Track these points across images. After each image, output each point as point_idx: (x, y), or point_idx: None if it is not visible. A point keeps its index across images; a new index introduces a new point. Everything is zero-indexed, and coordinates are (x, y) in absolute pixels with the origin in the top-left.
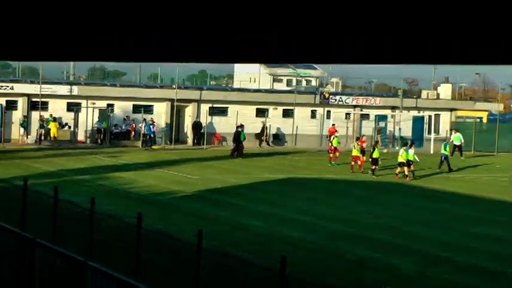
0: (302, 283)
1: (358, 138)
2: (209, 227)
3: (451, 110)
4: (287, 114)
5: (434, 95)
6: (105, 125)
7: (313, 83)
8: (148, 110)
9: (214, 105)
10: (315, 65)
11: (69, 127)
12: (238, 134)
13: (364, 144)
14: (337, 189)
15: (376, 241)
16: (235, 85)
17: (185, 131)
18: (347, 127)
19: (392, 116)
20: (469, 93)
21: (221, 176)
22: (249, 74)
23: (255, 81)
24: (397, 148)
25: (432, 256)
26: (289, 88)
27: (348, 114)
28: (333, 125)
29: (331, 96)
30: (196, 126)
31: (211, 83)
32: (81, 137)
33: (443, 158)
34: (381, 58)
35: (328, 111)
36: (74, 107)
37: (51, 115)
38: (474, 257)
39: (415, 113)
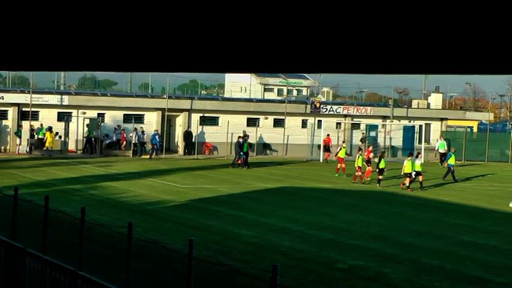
0: None
1: (360, 149)
2: (200, 236)
3: (442, 119)
4: (278, 123)
5: (424, 105)
6: (91, 134)
7: (304, 92)
8: (139, 119)
9: (205, 115)
10: (306, 75)
11: (60, 137)
12: (240, 144)
13: (371, 155)
14: (329, 199)
15: (368, 250)
16: (226, 94)
17: (176, 140)
18: (338, 136)
19: (383, 126)
20: (460, 102)
21: (212, 185)
22: (240, 84)
23: (245, 90)
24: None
25: (423, 264)
26: (280, 97)
27: (338, 123)
28: (328, 135)
29: (322, 106)
30: (187, 135)
31: (202, 92)
32: (72, 146)
33: (452, 168)
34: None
35: (319, 121)
36: (64, 117)
37: (41, 124)
38: (464, 266)
39: (405, 122)
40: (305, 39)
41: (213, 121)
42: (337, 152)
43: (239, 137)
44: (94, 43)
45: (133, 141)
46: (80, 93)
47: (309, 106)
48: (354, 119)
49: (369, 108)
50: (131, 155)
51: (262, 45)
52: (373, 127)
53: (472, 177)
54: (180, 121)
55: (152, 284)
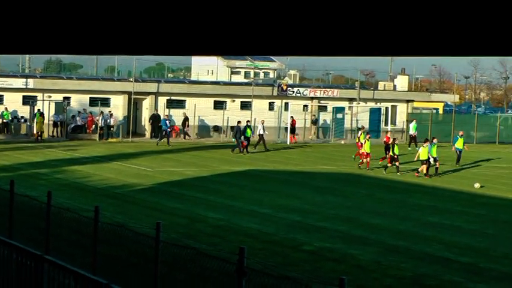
0: (260, 274)
1: (368, 133)
2: (167, 219)
3: (408, 101)
4: (245, 106)
5: (391, 87)
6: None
7: (271, 75)
8: (106, 102)
9: (172, 98)
10: (273, 57)
11: (25, 120)
12: (240, 129)
13: (391, 140)
14: (296, 181)
15: (335, 232)
16: (193, 77)
17: (143, 123)
18: (305, 119)
19: (350, 108)
20: (425, 84)
21: (180, 168)
22: (207, 67)
23: (212, 73)
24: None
25: (389, 246)
26: (247, 80)
27: (305, 106)
28: (291, 117)
29: (289, 88)
30: (154, 119)
31: (169, 75)
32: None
33: (458, 152)
34: (340, 50)
35: (286, 103)
36: (29, 100)
37: (6, 108)
38: (430, 246)
39: (372, 104)
40: (272, 21)
41: (180, 104)
42: (363, 145)
43: (238, 122)
44: (59, 26)
45: (100, 125)
46: (45, 77)
47: (276, 89)
48: (321, 102)
49: (335, 90)
50: (97, 139)
51: (229, 27)
52: (340, 109)
53: (398, 154)
54: (146, 104)
55: (119, 268)
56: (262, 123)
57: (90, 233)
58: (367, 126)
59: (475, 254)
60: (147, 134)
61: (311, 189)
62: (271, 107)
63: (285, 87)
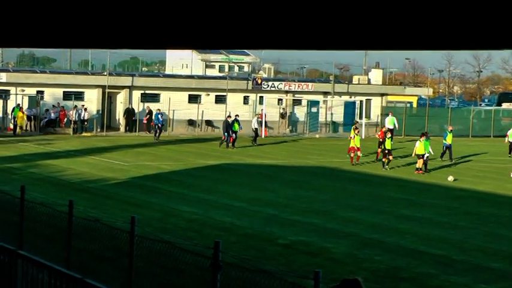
0: (235, 268)
1: (357, 128)
2: (142, 213)
3: (382, 95)
4: (220, 100)
5: (365, 80)
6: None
7: (246, 68)
8: (79, 96)
9: (146, 92)
10: (248, 51)
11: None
12: (229, 123)
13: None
14: (271, 175)
15: (309, 225)
16: (167, 71)
17: (117, 117)
18: (280, 112)
19: (324, 102)
20: (399, 78)
21: (154, 162)
22: (181, 60)
23: (187, 67)
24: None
25: (364, 239)
26: (221, 74)
27: (280, 99)
28: (261, 110)
29: (263, 82)
30: (129, 112)
31: (143, 69)
32: (11, 124)
33: (445, 147)
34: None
35: (261, 97)
36: (2, 94)
37: (18, 105)
38: (403, 239)
39: (346, 98)
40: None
41: (155, 98)
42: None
43: (228, 116)
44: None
45: (73, 119)
46: (18, 71)
47: (250, 82)
48: (296, 95)
49: (310, 84)
50: (71, 133)
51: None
52: (315, 103)
53: (411, 152)
54: (121, 98)
55: (94, 263)
56: (257, 118)
57: (64, 228)
58: (341, 119)
59: (448, 246)
60: (122, 128)
61: (285, 183)
62: (246, 100)
63: (259, 81)
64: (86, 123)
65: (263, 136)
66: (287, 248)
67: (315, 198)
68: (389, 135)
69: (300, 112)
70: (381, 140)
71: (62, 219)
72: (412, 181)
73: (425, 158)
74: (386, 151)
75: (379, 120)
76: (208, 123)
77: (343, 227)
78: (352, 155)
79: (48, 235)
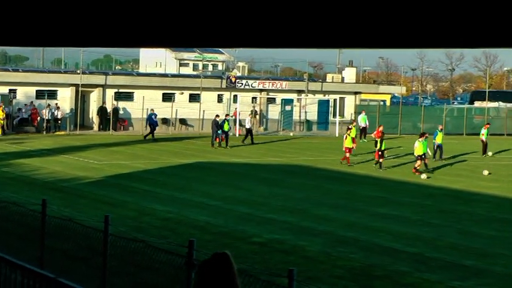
0: None
1: (349, 128)
2: (116, 212)
3: (356, 93)
4: (194, 98)
5: (339, 79)
6: None
7: (220, 67)
8: (52, 95)
9: (120, 90)
10: (222, 50)
11: None
12: (217, 123)
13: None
14: (245, 173)
15: (284, 223)
16: (141, 70)
17: (90, 116)
18: (255, 111)
19: (298, 100)
20: (373, 76)
21: (128, 161)
22: (155, 59)
23: (160, 65)
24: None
25: (339, 237)
26: (195, 72)
27: (254, 98)
28: (235, 109)
29: (237, 81)
30: (102, 111)
31: (117, 67)
32: None
33: (435, 146)
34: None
35: (235, 96)
36: None
37: None
38: (378, 237)
39: (320, 96)
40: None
41: (128, 96)
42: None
43: (216, 115)
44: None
45: (46, 118)
46: None
47: (224, 81)
48: (270, 94)
49: (284, 82)
50: (44, 132)
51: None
52: (289, 101)
53: (385, 149)
54: (94, 97)
55: (68, 262)
56: (250, 117)
57: (37, 227)
58: (315, 118)
59: (422, 244)
60: (95, 126)
61: (260, 181)
62: (220, 99)
63: (233, 80)
64: (59, 122)
65: (237, 135)
66: (262, 246)
67: (289, 197)
68: (380, 135)
69: (274, 110)
70: (377, 139)
71: (35, 219)
72: (387, 179)
73: (425, 158)
74: (381, 152)
75: (352, 119)
76: (182, 121)
77: (318, 225)
78: (347, 155)
79: (21, 234)
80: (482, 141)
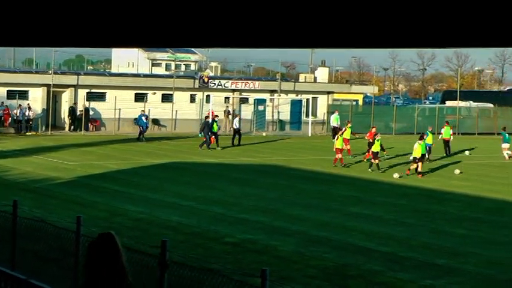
0: (182, 267)
1: (340, 129)
2: (88, 213)
3: (328, 93)
4: (166, 98)
5: (311, 79)
6: None
7: (192, 67)
8: (24, 95)
9: (92, 91)
10: (194, 49)
11: None
12: (207, 124)
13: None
14: (218, 173)
15: (256, 223)
16: (113, 70)
17: (62, 116)
18: (228, 111)
19: (271, 100)
20: (345, 76)
21: (100, 161)
22: (127, 59)
23: (133, 65)
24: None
25: (311, 236)
26: (168, 72)
27: (227, 98)
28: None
29: (210, 80)
30: (74, 111)
31: (89, 67)
32: None
33: (428, 148)
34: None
35: (208, 96)
36: None
37: None
38: (352, 237)
39: (293, 96)
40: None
41: (100, 97)
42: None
43: (206, 116)
44: None
45: (18, 118)
46: None
47: (197, 81)
48: (243, 94)
49: (257, 82)
50: (16, 132)
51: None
52: (261, 101)
53: (358, 150)
54: (66, 97)
55: (39, 263)
56: (238, 117)
57: (8, 228)
58: (288, 118)
59: (395, 243)
60: (67, 127)
61: (232, 181)
62: (192, 99)
63: (206, 80)
64: (30, 122)
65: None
66: (234, 246)
67: (262, 197)
68: (378, 137)
69: (247, 110)
70: (370, 141)
71: (6, 219)
72: (360, 179)
73: (423, 161)
74: (375, 153)
75: (325, 118)
76: (155, 121)
77: (291, 225)
78: (337, 156)
79: None
80: (444, 140)
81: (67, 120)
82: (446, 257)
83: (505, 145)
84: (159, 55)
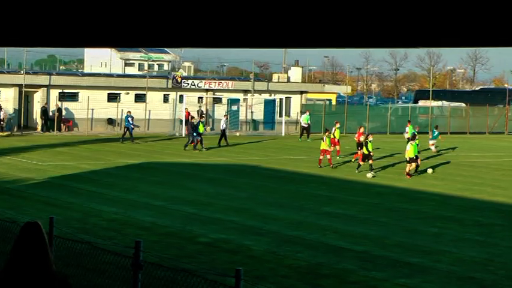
0: (156, 267)
1: (327, 130)
2: (61, 214)
3: (302, 92)
4: (139, 98)
5: (285, 78)
6: None
7: (166, 67)
8: None
9: (65, 91)
10: (167, 49)
11: None
12: (193, 125)
13: (361, 137)
14: (191, 173)
15: (230, 223)
16: (86, 70)
17: (34, 117)
18: (201, 111)
19: (245, 100)
20: (319, 76)
21: (73, 162)
22: (100, 59)
23: (106, 65)
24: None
25: (285, 236)
26: (141, 72)
27: (200, 98)
28: (186, 109)
29: (183, 80)
30: (46, 112)
31: (61, 67)
32: None
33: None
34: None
35: (181, 96)
36: None
37: None
38: (325, 236)
39: (266, 96)
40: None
41: (73, 97)
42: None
43: (192, 117)
44: None
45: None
46: None
47: (170, 81)
48: (216, 94)
49: (230, 82)
50: None
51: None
52: (235, 101)
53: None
54: (38, 97)
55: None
56: (226, 118)
57: None
58: (261, 117)
59: (368, 242)
60: (39, 127)
61: (205, 181)
62: (165, 99)
63: (179, 80)
64: (2, 122)
65: (183, 135)
66: (208, 246)
67: (235, 196)
68: (370, 138)
69: (221, 110)
70: (357, 141)
71: None
72: (333, 178)
73: (417, 161)
74: (369, 154)
75: (299, 118)
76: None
77: (264, 224)
78: (321, 157)
79: None
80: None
81: (39, 121)
82: (420, 255)
83: (432, 141)
84: (132, 55)
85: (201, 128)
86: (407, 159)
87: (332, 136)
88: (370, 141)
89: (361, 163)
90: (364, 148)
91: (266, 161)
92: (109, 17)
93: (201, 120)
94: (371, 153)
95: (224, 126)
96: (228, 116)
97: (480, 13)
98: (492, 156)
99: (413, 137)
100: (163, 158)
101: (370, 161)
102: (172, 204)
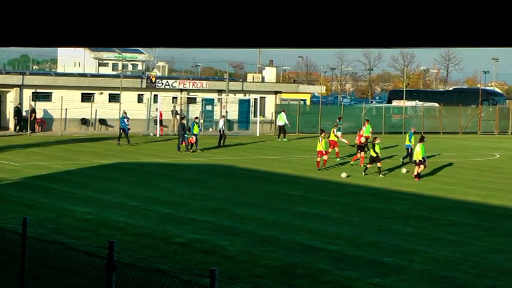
0: (130, 267)
1: (323, 131)
2: (35, 214)
3: (276, 92)
4: (113, 98)
5: (259, 78)
6: None
7: (140, 67)
8: None
9: (38, 91)
10: (141, 49)
11: None
12: (184, 126)
13: (362, 139)
14: (166, 173)
15: (205, 223)
16: (59, 69)
17: (7, 117)
18: (175, 111)
19: (219, 99)
20: (293, 76)
21: (47, 162)
22: (73, 58)
23: (79, 65)
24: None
25: (259, 236)
26: (115, 72)
27: (175, 98)
28: (158, 109)
29: (157, 80)
30: (19, 112)
31: (34, 67)
32: None
33: (409, 149)
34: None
35: (155, 95)
36: None
37: None
38: (299, 235)
39: (241, 96)
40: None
41: (46, 97)
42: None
43: (181, 118)
44: None
45: None
46: None
47: (144, 81)
48: (190, 93)
49: (204, 82)
50: None
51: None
52: (209, 101)
53: (306, 149)
54: (11, 97)
55: None
56: (223, 119)
57: None
58: (236, 117)
59: (342, 242)
60: (12, 127)
61: (180, 181)
62: (140, 99)
63: (153, 79)
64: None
65: (158, 135)
66: (183, 246)
67: (210, 196)
68: (378, 140)
69: (195, 110)
70: (358, 144)
71: None
72: (307, 178)
73: (424, 164)
74: (377, 156)
75: (273, 118)
76: (102, 122)
77: (239, 224)
78: (318, 159)
79: None
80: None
81: (12, 121)
82: (393, 255)
83: (339, 133)
84: (105, 55)
85: (195, 129)
86: (417, 161)
87: (333, 134)
88: (377, 144)
89: (369, 166)
90: (372, 151)
91: (241, 161)
92: (82, 16)
93: (196, 120)
94: (379, 155)
95: (223, 127)
96: (226, 116)
97: (452, 14)
98: (465, 156)
99: (421, 139)
100: (138, 158)
101: (379, 164)
102: (147, 204)
